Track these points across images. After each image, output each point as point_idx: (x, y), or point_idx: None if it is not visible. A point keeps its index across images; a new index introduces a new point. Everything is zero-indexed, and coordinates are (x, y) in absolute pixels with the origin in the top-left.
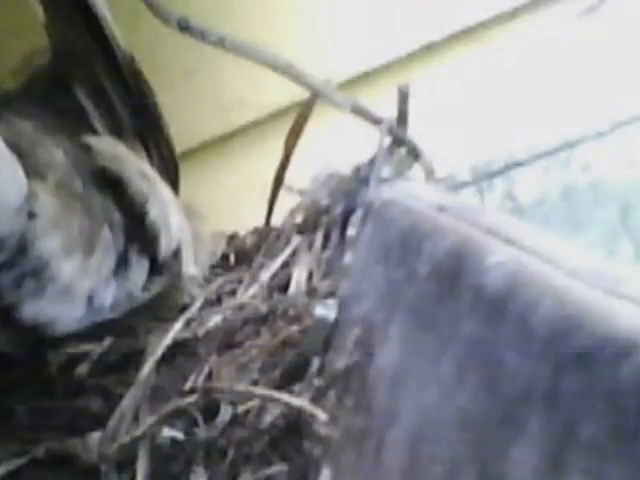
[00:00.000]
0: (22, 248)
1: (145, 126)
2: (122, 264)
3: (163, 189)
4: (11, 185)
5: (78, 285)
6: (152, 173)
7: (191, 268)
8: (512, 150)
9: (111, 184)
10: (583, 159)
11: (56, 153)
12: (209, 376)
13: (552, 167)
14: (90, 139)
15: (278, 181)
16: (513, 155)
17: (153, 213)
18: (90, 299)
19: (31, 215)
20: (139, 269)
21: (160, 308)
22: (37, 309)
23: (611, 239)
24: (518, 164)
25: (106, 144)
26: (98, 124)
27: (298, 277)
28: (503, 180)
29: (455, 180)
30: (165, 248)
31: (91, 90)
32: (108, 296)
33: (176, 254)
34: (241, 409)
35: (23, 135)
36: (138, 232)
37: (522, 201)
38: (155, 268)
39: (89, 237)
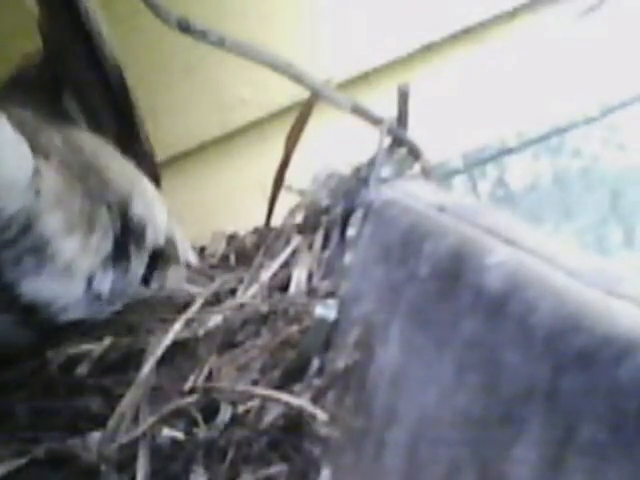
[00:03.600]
0: (26, 226)
1: (128, 136)
2: (122, 255)
3: (147, 186)
4: (20, 162)
5: (78, 264)
6: (135, 171)
7: (190, 257)
8: (503, 137)
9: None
10: (573, 145)
11: (55, 137)
12: (209, 376)
13: (543, 153)
14: (77, 134)
15: (278, 181)
16: (504, 142)
17: (138, 209)
18: (89, 280)
19: (37, 192)
20: (138, 261)
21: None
22: (36, 287)
23: (602, 224)
24: (509, 151)
25: (91, 140)
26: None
27: (298, 277)
28: (494, 167)
29: (447, 167)
30: (152, 240)
31: (79, 97)
32: (107, 281)
33: (173, 244)
34: (241, 409)
35: (24, 121)
36: (129, 225)
37: (513, 187)
38: (155, 261)
39: (89, 217)
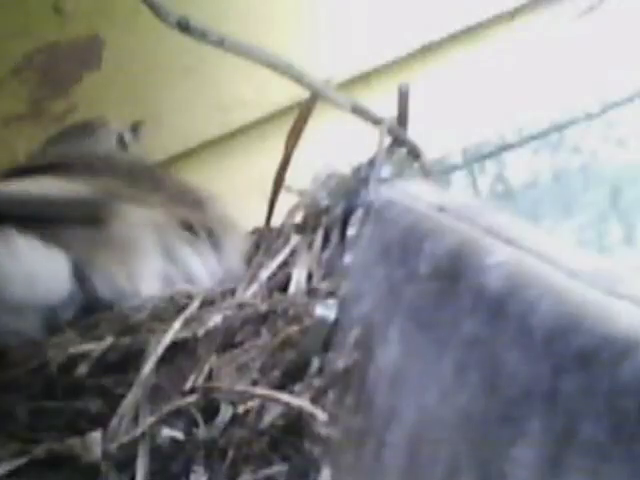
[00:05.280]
0: None
1: None
2: None
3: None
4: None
5: None
6: None
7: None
8: (503, 133)
9: None
10: (573, 141)
11: None
12: (209, 376)
13: (542, 149)
14: None
15: (278, 181)
16: (504, 138)
17: None
18: None
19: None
20: None
21: None
22: None
23: (601, 221)
24: (509, 147)
25: None
26: None
27: (298, 277)
28: (494, 163)
29: (446, 163)
30: None
31: None
32: None
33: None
34: (241, 409)
35: None
36: None
37: (513, 184)
38: None
39: None
